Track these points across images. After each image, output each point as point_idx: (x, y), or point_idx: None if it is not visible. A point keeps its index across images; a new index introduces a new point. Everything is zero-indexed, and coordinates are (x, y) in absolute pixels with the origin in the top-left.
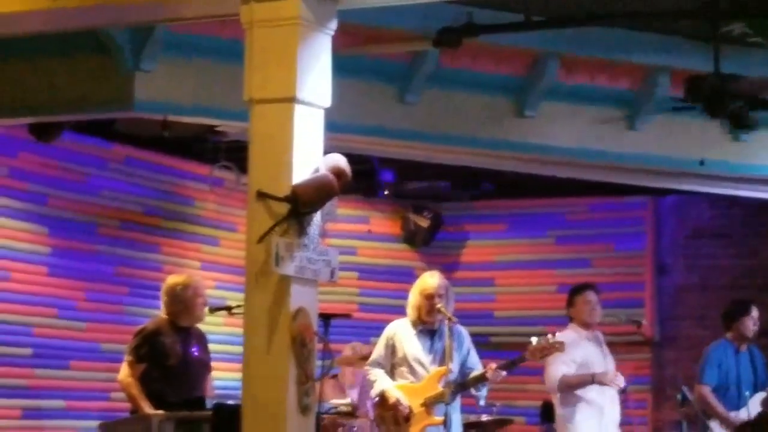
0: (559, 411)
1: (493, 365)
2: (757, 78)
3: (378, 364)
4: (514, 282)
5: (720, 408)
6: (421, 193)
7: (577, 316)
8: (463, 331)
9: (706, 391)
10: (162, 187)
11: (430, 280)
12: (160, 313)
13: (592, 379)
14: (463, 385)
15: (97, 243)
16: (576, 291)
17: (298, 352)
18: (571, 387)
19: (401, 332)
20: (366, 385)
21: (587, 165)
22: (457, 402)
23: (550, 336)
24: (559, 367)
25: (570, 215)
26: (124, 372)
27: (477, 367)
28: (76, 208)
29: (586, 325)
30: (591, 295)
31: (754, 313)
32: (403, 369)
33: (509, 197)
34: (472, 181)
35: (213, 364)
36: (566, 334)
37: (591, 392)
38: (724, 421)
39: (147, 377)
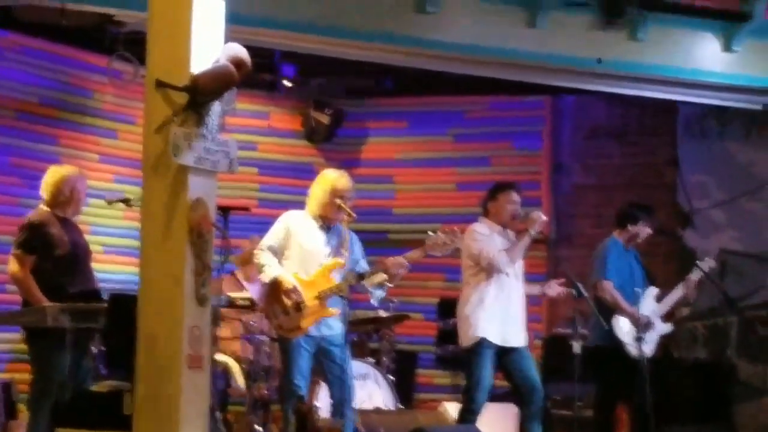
0: (463, 309)
1: (395, 258)
2: None
3: (271, 250)
4: (413, 179)
5: (625, 303)
6: (322, 89)
7: (496, 212)
8: (357, 238)
9: (611, 286)
10: (59, 77)
11: (343, 180)
12: (41, 204)
13: (529, 235)
14: (361, 276)
15: None
16: (501, 188)
17: (195, 243)
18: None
19: (299, 223)
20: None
21: (487, 62)
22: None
23: (447, 229)
24: (486, 245)
25: (469, 113)
26: (14, 266)
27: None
28: None
29: (502, 223)
30: (515, 195)
31: (652, 220)
32: (294, 259)
33: (410, 94)
34: (374, 78)
35: (110, 257)
36: (480, 226)
37: (493, 290)
38: (629, 316)
39: (39, 269)
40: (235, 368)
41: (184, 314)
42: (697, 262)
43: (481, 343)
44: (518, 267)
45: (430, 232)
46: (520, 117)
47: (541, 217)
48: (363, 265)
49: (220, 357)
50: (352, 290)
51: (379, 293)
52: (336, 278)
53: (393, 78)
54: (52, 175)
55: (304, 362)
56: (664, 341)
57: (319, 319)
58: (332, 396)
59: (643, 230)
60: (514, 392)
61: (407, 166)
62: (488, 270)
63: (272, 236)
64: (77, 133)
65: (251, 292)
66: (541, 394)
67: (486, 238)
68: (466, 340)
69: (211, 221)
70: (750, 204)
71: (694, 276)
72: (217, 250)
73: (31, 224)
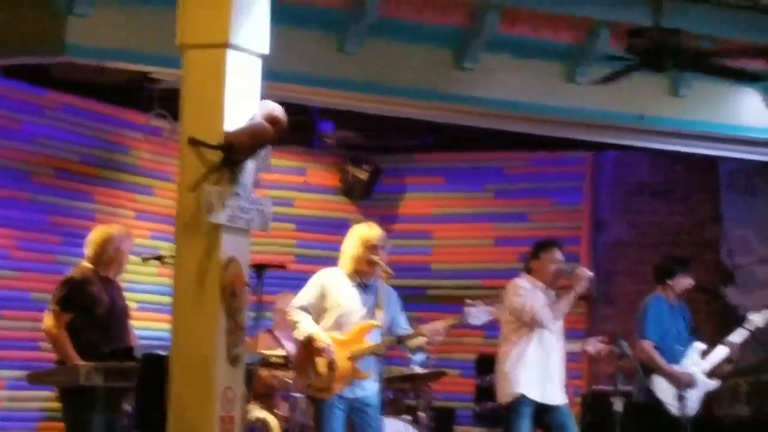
0: (502, 366)
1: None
2: (698, 35)
3: (304, 309)
4: (451, 235)
5: (663, 362)
6: (360, 145)
7: (539, 270)
8: (394, 293)
9: (649, 346)
10: (97, 134)
11: (373, 230)
12: (84, 262)
13: (574, 291)
14: (399, 339)
15: (30, 191)
16: (544, 246)
17: (228, 302)
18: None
19: (335, 281)
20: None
21: (527, 118)
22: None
23: (485, 301)
24: (529, 300)
25: (508, 169)
26: (49, 322)
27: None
28: (9, 156)
29: (545, 281)
30: (558, 254)
31: (690, 270)
32: (330, 319)
33: (448, 150)
34: (412, 134)
35: (145, 314)
36: (523, 282)
37: (534, 347)
38: (668, 376)
39: (75, 327)
40: (274, 424)
41: (216, 375)
42: (750, 313)
43: (520, 401)
44: (558, 324)
45: (467, 300)
46: (560, 173)
47: (587, 273)
48: (402, 322)
49: (259, 413)
50: (387, 348)
51: (419, 357)
52: (371, 339)
53: (431, 134)
54: (98, 234)
55: (337, 423)
56: (705, 398)
57: (352, 380)
58: None
59: (682, 283)
60: None
61: (445, 222)
62: (531, 325)
63: (305, 295)
64: (114, 190)
65: (289, 348)
66: None
67: (529, 293)
68: (504, 396)
69: (245, 280)
70: None
71: (740, 335)
72: (252, 307)
73: (71, 281)
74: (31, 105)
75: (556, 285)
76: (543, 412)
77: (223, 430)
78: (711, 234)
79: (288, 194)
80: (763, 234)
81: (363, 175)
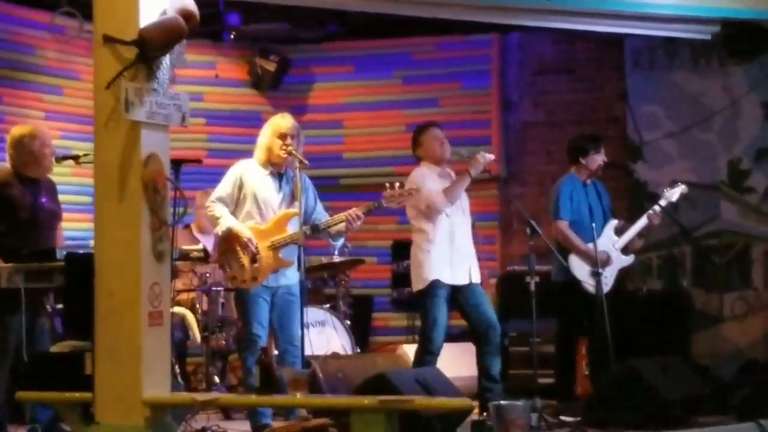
0: (415, 254)
1: (353, 210)
2: None
3: (222, 201)
4: (362, 123)
5: (579, 242)
6: (267, 36)
7: (426, 154)
8: (310, 182)
9: (564, 226)
10: (1, 35)
11: (283, 120)
12: (5, 165)
13: (469, 175)
14: (316, 227)
15: None
16: (420, 130)
17: (150, 199)
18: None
19: (250, 172)
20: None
21: (433, 3)
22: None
23: (404, 182)
24: (427, 187)
25: (416, 55)
26: None
27: (324, 219)
28: None
29: (437, 161)
30: (436, 131)
31: (602, 148)
32: (249, 209)
33: (355, 38)
34: (319, 23)
35: (63, 215)
36: (419, 171)
37: (438, 230)
38: (583, 254)
39: None
40: (191, 319)
41: (142, 271)
42: (666, 189)
43: (434, 285)
44: (465, 203)
45: (387, 184)
46: (467, 56)
47: (486, 157)
48: (319, 210)
49: (176, 309)
50: (306, 237)
51: (339, 243)
52: (290, 228)
53: (338, 22)
54: (10, 136)
55: (262, 312)
56: (619, 274)
57: (275, 269)
58: (280, 344)
59: (595, 160)
60: (471, 330)
61: (355, 110)
62: (426, 212)
63: (223, 187)
64: (21, 91)
65: (206, 245)
66: (498, 330)
67: (428, 180)
68: (419, 283)
69: (166, 176)
70: (701, 134)
71: (659, 206)
72: (171, 203)
73: None
74: None
75: (448, 163)
76: (456, 294)
77: (151, 325)
78: (618, 111)
79: (197, 89)
80: (669, 109)
81: (271, 67)
